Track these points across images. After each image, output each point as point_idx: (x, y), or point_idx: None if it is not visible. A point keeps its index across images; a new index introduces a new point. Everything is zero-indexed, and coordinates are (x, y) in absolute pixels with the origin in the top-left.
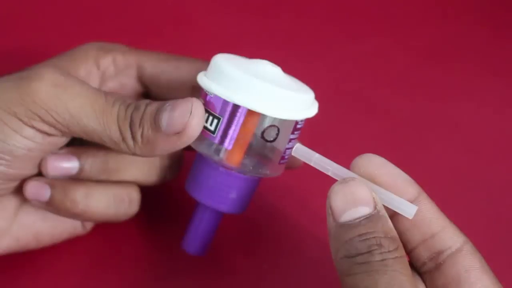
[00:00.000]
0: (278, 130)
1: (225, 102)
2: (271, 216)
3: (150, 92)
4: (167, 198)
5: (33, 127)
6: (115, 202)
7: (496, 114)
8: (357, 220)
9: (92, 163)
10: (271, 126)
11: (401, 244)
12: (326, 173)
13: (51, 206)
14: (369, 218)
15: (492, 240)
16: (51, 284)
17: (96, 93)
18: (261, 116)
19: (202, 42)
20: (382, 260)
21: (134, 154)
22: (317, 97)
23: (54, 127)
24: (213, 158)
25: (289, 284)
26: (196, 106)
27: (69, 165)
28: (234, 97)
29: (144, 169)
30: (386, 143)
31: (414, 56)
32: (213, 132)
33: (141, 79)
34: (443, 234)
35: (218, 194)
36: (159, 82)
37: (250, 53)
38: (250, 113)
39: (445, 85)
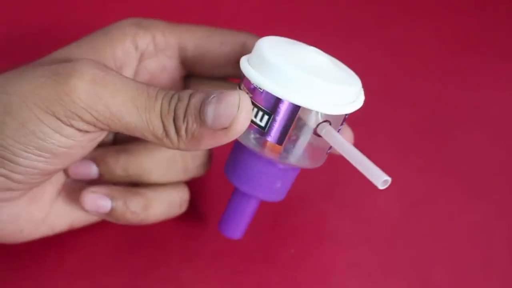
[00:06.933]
0: (330, 124)
1: (278, 99)
2: (300, 202)
3: (193, 72)
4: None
5: (72, 126)
6: (169, 207)
7: None
8: None
9: (113, 170)
10: (324, 121)
11: None
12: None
13: (111, 217)
14: None
15: None
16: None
17: (138, 88)
18: (314, 113)
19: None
20: None
21: (178, 148)
22: None
23: (94, 125)
24: (256, 149)
25: (315, 268)
26: (244, 100)
27: (87, 171)
28: (289, 96)
29: (170, 172)
30: (417, 131)
31: (445, 43)
32: (263, 128)
33: (183, 59)
34: None
35: (259, 182)
36: (203, 61)
37: None
38: (302, 109)
39: (478, 73)
